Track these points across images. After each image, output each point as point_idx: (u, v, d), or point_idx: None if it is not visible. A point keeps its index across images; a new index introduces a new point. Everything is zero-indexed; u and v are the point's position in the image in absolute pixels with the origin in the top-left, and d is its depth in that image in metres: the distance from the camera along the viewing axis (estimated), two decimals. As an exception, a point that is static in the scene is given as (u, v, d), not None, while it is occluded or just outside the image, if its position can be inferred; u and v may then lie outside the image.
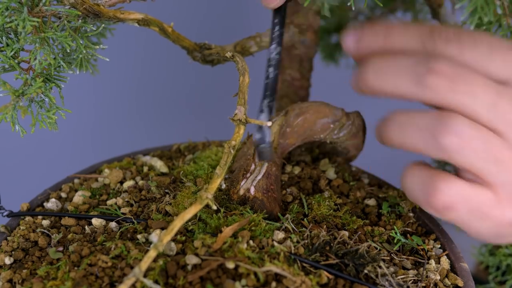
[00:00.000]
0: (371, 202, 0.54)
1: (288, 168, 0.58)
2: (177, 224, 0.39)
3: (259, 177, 0.51)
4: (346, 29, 0.46)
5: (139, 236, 0.46)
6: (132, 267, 0.42)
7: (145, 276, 0.40)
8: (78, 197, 0.54)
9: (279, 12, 0.50)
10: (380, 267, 0.44)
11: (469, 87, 0.41)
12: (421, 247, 0.49)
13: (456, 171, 0.44)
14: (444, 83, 0.41)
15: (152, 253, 0.38)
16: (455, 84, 0.41)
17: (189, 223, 0.48)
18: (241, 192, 0.50)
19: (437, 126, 0.42)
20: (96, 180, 0.58)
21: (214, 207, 0.42)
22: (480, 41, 0.43)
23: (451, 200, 0.43)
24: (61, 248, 0.48)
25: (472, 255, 0.65)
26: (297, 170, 0.58)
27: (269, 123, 0.47)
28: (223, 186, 0.47)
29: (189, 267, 0.42)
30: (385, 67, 0.43)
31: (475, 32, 0.44)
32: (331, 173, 0.58)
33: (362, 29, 0.45)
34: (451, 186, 0.43)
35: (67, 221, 0.51)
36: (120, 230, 0.48)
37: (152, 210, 0.51)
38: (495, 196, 0.43)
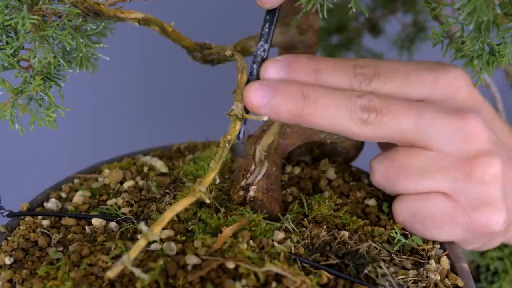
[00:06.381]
0: (371, 202, 0.54)
1: (288, 168, 0.58)
2: (168, 215, 0.39)
3: (259, 177, 0.51)
4: (265, 62, 0.46)
5: (139, 236, 0.46)
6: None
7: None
8: (78, 197, 0.54)
9: (273, 10, 0.49)
10: (380, 267, 0.44)
11: (392, 117, 0.46)
12: (421, 247, 0.49)
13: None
14: (373, 117, 0.46)
15: (142, 242, 0.37)
16: (382, 116, 0.46)
17: (189, 223, 0.47)
18: (241, 192, 0.50)
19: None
20: (96, 180, 0.57)
21: (207, 201, 0.41)
22: (397, 70, 0.48)
23: (404, 218, 0.50)
24: (61, 248, 0.47)
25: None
26: (297, 170, 0.58)
27: (265, 118, 0.46)
28: (217, 181, 0.47)
29: (189, 267, 0.42)
30: (321, 102, 0.45)
31: (392, 62, 0.48)
32: (331, 173, 0.58)
33: (286, 63, 0.46)
34: (402, 205, 0.50)
35: (67, 221, 0.51)
36: (120, 230, 0.48)
37: (152, 210, 0.50)
38: (455, 203, 0.48)
